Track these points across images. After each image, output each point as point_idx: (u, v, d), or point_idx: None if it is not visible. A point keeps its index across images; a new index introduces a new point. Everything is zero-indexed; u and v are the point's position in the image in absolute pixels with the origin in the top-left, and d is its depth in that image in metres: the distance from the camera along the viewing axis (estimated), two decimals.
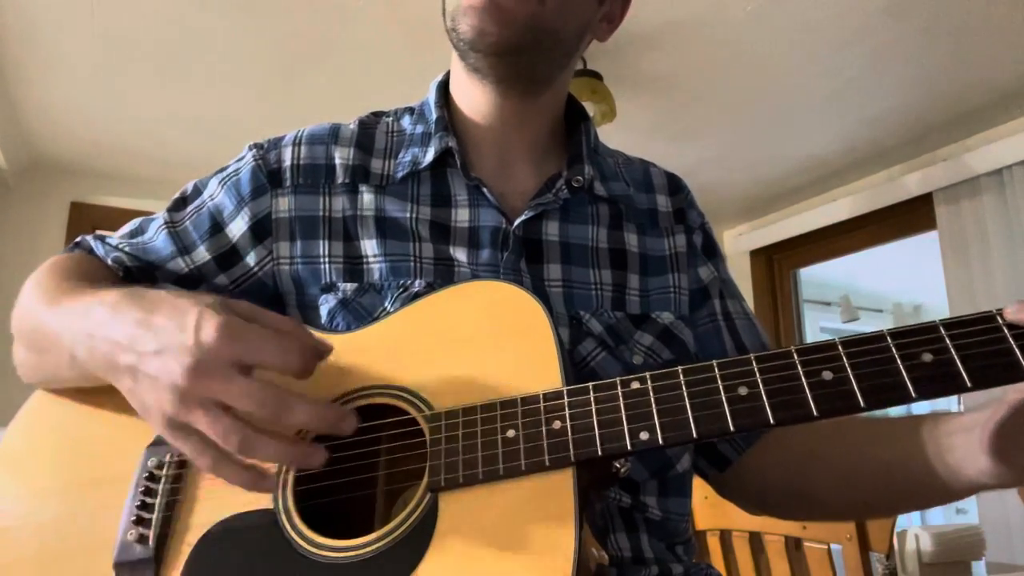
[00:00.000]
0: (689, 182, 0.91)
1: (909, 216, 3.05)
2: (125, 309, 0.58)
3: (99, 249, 0.78)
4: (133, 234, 0.80)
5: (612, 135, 2.13)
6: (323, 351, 0.57)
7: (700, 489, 0.85)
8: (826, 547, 1.38)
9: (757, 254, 3.75)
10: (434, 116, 0.79)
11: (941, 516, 5.17)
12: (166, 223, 0.78)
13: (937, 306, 5.11)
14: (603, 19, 0.80)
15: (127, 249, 0.78)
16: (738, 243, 3.76)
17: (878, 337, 0.51)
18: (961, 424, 0.59)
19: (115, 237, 0.80)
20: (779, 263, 3.73)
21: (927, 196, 2.90)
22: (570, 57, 0.78)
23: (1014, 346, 0.48)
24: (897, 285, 5.04)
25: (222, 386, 0.51)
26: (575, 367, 0.71)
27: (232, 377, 0.51)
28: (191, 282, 0.77)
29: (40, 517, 0.65)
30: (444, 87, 0.83)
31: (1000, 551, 2.47)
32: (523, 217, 0.75)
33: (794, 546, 1.46)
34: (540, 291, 0.73)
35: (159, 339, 0.54)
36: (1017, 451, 0.54)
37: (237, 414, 0.52)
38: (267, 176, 0.77)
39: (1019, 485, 0.55)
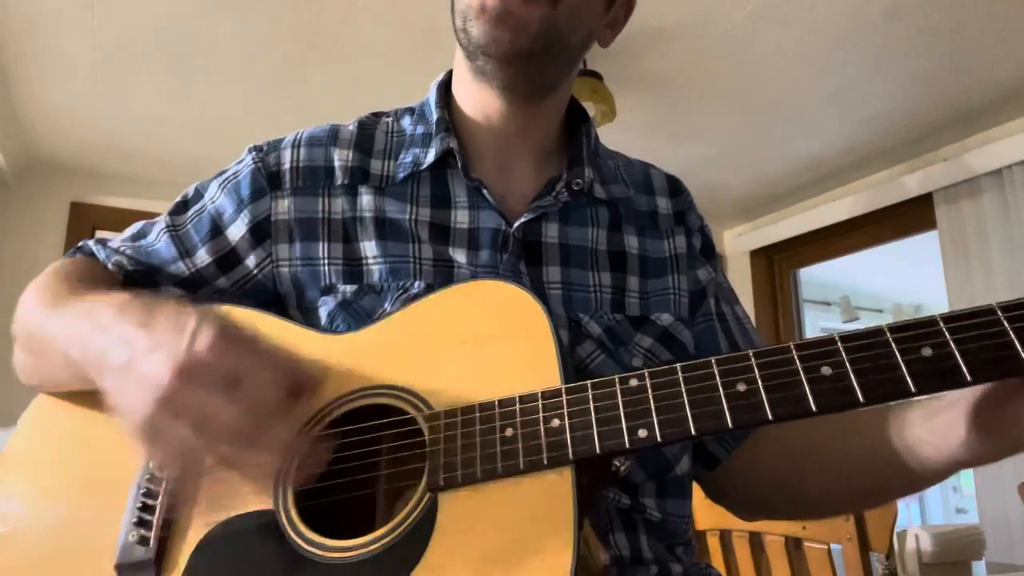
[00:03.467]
0: (689, 182, 0.91)
1: (909, 216, 3.05)
2: (129, 310, 0.59)
3: (100, 253, 0.79)
4: (135, 237, 0.80)
5: (612, 135, 2.13)
6: (316, 377, 0.58)
7: (701, 489, 0.85)
8: (826, 547, 1.38)
9: (757, 254, 3.75)
10: (435, 117, 0.79)
11: (941, 516, 5.17)
12: (167, 226, 0.79)
13: (937, 306, 5.11)
14: (607, 25, 0.80)
15: (128, 252, 0.78)
16: (738, 243, 3.76)
17: (877, 332, 0.50)
18: (942, 403, 0.59)
19: (117, 240, 0.81)
20: (779, 263, 3.73)
21: (927, 196, 2.91)
22: (576, 63, 0.78)
23: (1015, 339, 0.47)
24: (897, 285, 5.04)
25: (205, 396, 0.51)
26: (574, 370, 0.71)
27: (216, 390, 0.51)
28: (192, 285, 0.77)
29: (43, 519, 0.65)
30: (445, 87, 0.83)
31: (1000, 551, 2.47)
32: (523, 219, 0.75)
33: (794, 546, 1.46)
34: (539, 293, 0.73)
35: (154, 339, 0.54)
36: (1000, 423, 0.53)
37: (217, 427, 0.51)
38: (266, 178, 0.77)
39: (1000, 458, 0.55)
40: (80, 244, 0.81)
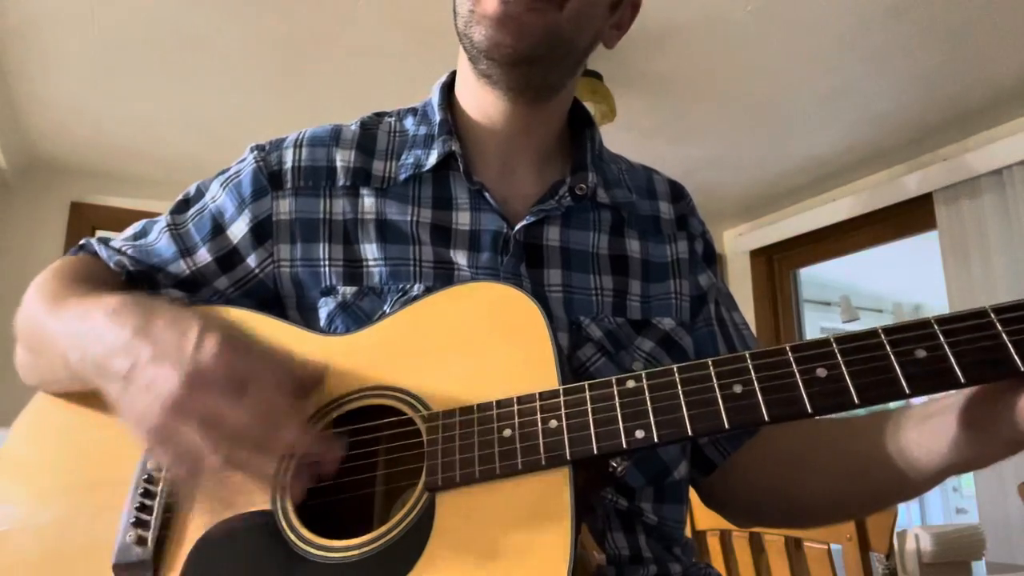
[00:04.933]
0: (689, 182, 0.91)
1: (909, 216, 3.05)
2: (125, 315, 0.59)
3: (102, 252, 0.79)
4: (136, 236, 0.80)
5: (612, 135, 2.13)
6: (317, 379, 0.59)
7: (697, 495, 0.85)
8: (826, 547, 1.38)
9: (757, 254, 3.75)
10: (437, 118, 0.79)
11: (941, 516, 5.17)
12: (168, 225, 0.78)
13: (937, 306, 5.10)
14: (613, 25, 0.80)
15: (129, 252, 0.78)
16: (738, 243, 3.76)
17: (872, 334, 0.51)
18: (936, 407, 0.59)
19: (118, 240, 0.81)
20: (779, 263, 3.73)
21: (927, 196, 2.91)
22: (580, 64, 0.78)
23: (1007, 341, 0.48)
24: (897, 285, 5.04)
25: (213, 403, 0.52)
26: (575, 373, 0.71)
27: (224, 396, 0.52)
28: (193, 284, 0.77)
29: (40, 519, 0.65)
30: (448, 88, 0.83)
31: (1000, 551, 2.47)
32: (524, 222, 0.75)
33: (794, 546, 1.46)
34: (540, 296, 0.73)
35: (157, 347, 0.55)
36: (992, 424, 0.54)
37: (225, 430, 0.52)
38: (268, 178, 0.77)
39: (994, 460, 0.56)
40: (83, 242, 0.81)
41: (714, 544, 1.64)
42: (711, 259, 0.87)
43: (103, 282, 0.74)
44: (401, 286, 0.72)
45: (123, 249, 0.78)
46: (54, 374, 0.69)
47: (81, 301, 0.65)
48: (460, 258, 0.74)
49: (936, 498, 5.26)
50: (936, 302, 4.86)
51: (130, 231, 0.81)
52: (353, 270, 0.74)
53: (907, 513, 5.03)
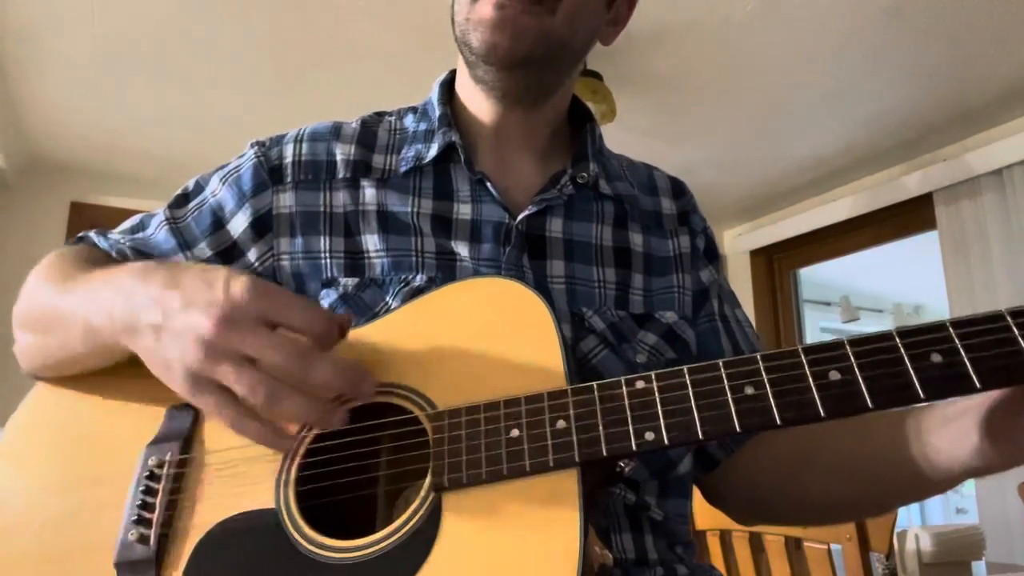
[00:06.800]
0: (689, 182, 0.91)
1: (909, 216, 3.05)
2: (151, 273, 0.60)
3: (102, 243, 0.79)
4: (134, 230, 0.80)
5: (612, 135, 2.13)
6: (344, 325, 0.58)
7: (699, 491, 0.85)
8: (826, 547, 1.38)
9: (757, 254, 3.75)
10: (437, 113, 0.79)
11: (941, 516, 5.17)
12: (167, 219, 0.79)
13: (937, 306, 5.11)
14: (609, 22, 0.80)
15: (129, 244, 0.78)
16: (738, 243, 3.76)
17: (886, 336, 0.50)
18: (955, 409, 0.58)
19: (115, 233, 0.81)
20: (779, 263, 3.74)
21: (927, 196, 2.91)
22: (577, 64, 0.79)
23: None
24: (897, 285, 5.04)
25: (250, 338, 0.52)
26: (577, 365, 0.71)
27: (259, 330, 0.52)
28: None
29: (40, 515, 0.64)
30: (448, 85, 0.83)
31: (1000, 551, 2.47)
32: (526, 212, 0.75)
33: (794, 546, 1.46)
34: (542, 287, 0.73)
35: (186, 296, 0.55)
36: (1013, 430, 0.53)
37: (262, 368, 0.53)
38: (268, 173, 0.77)
39: (1013, 465, 0.55)
40: (81, 235, 0.82)
41: (714, 544, 1.64)
42: (713, 255, 0.87)
43: (108, 264, 0.74)
44: (403, 277, 0.72)
45: (122, 241, 0.79)
46: (67, 350, 0.68)
47: (99, 273, 0.66)
48: (462, 249, 0.74)
49: (936, 498, 5.26)
50: (936, 302, 4.86)
51: (126, 225, 0.81)
52: (354, 262, 0.74)
53: (907, 513, 5.03)
